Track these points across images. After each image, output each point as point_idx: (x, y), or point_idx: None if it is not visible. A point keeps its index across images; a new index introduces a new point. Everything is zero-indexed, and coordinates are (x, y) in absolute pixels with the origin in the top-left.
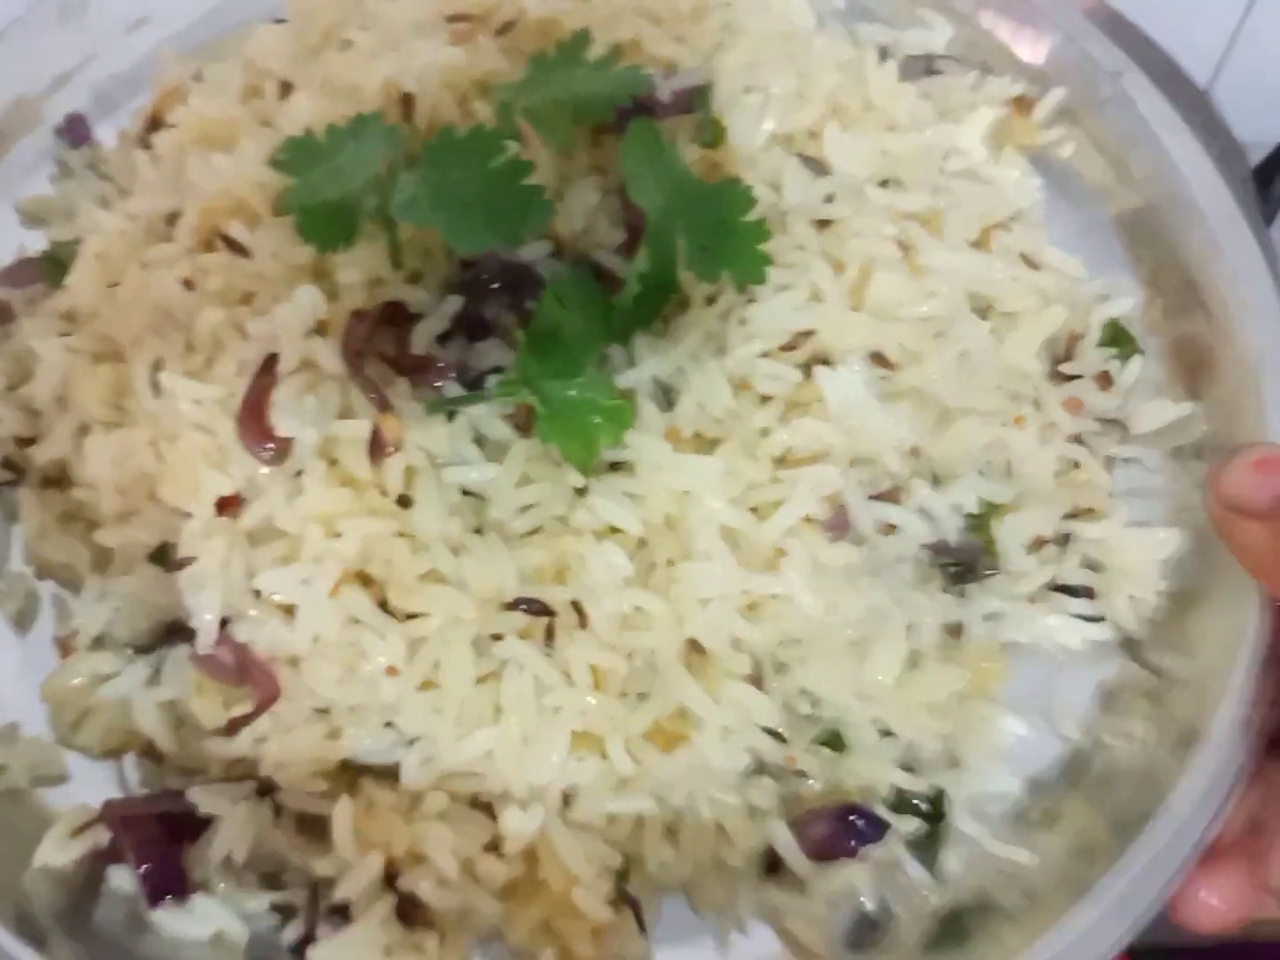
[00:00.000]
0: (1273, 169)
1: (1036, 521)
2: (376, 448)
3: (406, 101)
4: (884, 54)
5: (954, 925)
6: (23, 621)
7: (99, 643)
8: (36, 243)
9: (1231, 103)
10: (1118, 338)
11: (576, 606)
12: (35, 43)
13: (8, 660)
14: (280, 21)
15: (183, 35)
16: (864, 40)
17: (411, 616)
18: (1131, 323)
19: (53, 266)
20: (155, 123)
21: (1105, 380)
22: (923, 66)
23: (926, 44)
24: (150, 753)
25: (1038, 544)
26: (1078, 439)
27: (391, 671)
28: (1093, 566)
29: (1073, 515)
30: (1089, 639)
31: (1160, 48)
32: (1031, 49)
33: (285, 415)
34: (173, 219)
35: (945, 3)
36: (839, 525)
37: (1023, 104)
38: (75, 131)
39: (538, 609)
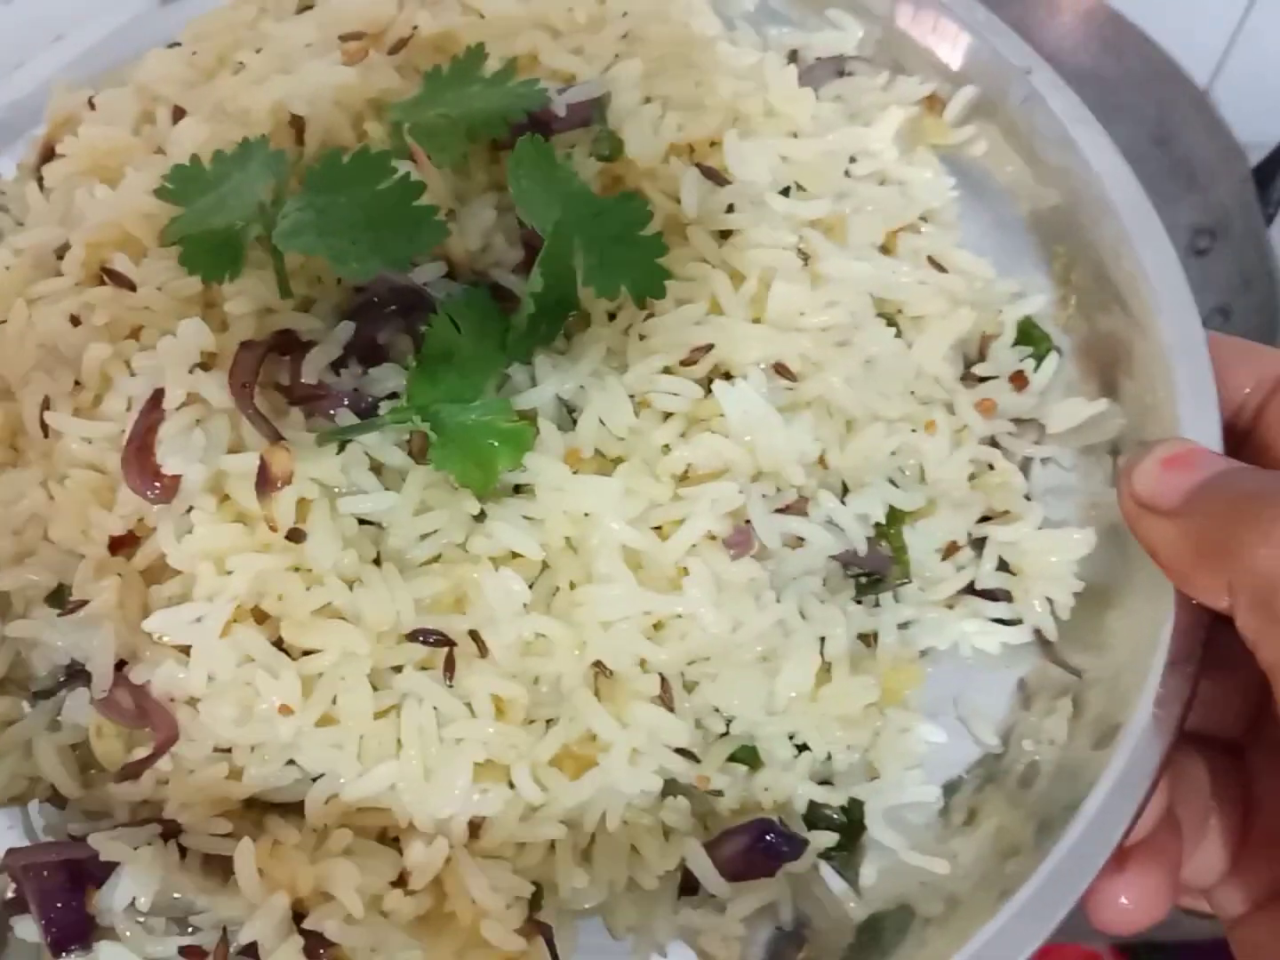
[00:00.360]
0: (1272, 169)
1: (950, 526)
2: (265, 482)
3: (297, 124)
4: (794, 56)
5: (874, 935)
6: None
7: (1, 686)
8: None
9: (1231, 103)
10: (1031, 336)
11: (475, 636)
12: None
13: None
14: (175, 45)
15: (80, 62)
16: (773, 43)
17: (307, 654)
18: (1045, 321)
19: None
20: (49, 153)
21: (1020, 380)
22: (833, 69)
23: (837, 45)
24: (55, 798)
25: (952, 549)
26: (992, 441)
27: (285, 710)
28: (1008, 569)
29: (987, 518)
30: (1006, 642)
31: (1160, 48)
32: (942, 48)
33: (172, 452)
34: (62, 252)
35: (857, 3)
36: (741, 542)
37: (934, 103)
38: None
39: (437, 640)
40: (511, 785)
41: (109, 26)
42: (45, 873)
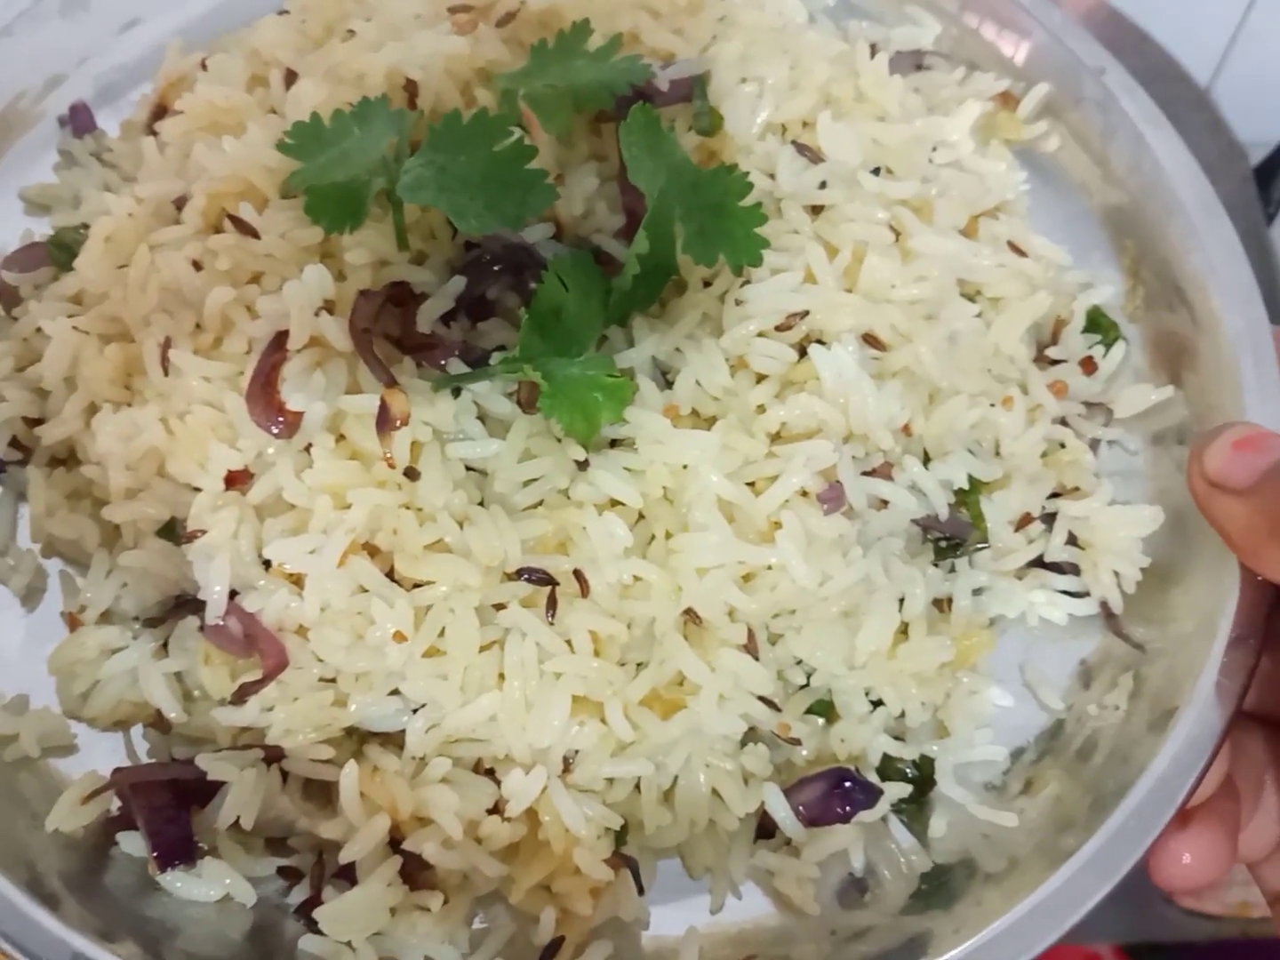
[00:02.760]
0: (1273, 168)
1: (1023, 499)
2: (384, 421)
3: (410, 89)
4: (873, 50)
5: (938, 886)
6: (30, 597)
7: (106, 616)
8: (42, 230)
9: (1232, 103)
10: (1101, 324)
11: (578, 575)
12: (39, 36)
13: (16, 635)
14: (284, 13)
15: (183, 30)
16: (854, 36)
17: (417, 586)
18: (1114, 311)
19: (59, 251)
20: (161, 110)
21: (1089, 365)
22: (911, 62)
23: (915, 40)
24: (158, 724)
25: (1024, 521)
26: (1063, 421)
27: (399, 637)
28: (1077, 543)
29: (1058, 494)
30: (1072, 614)
31: (1161, 47)
32: (1016, 47)
33: (294, 390)
34: (180, 203)
35: (933, 2)
36: (833, 499)
37: (1008, 99)
38: (79, 121)
39: (540, 578)
40: (604, 722)
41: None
42: (153, 791)
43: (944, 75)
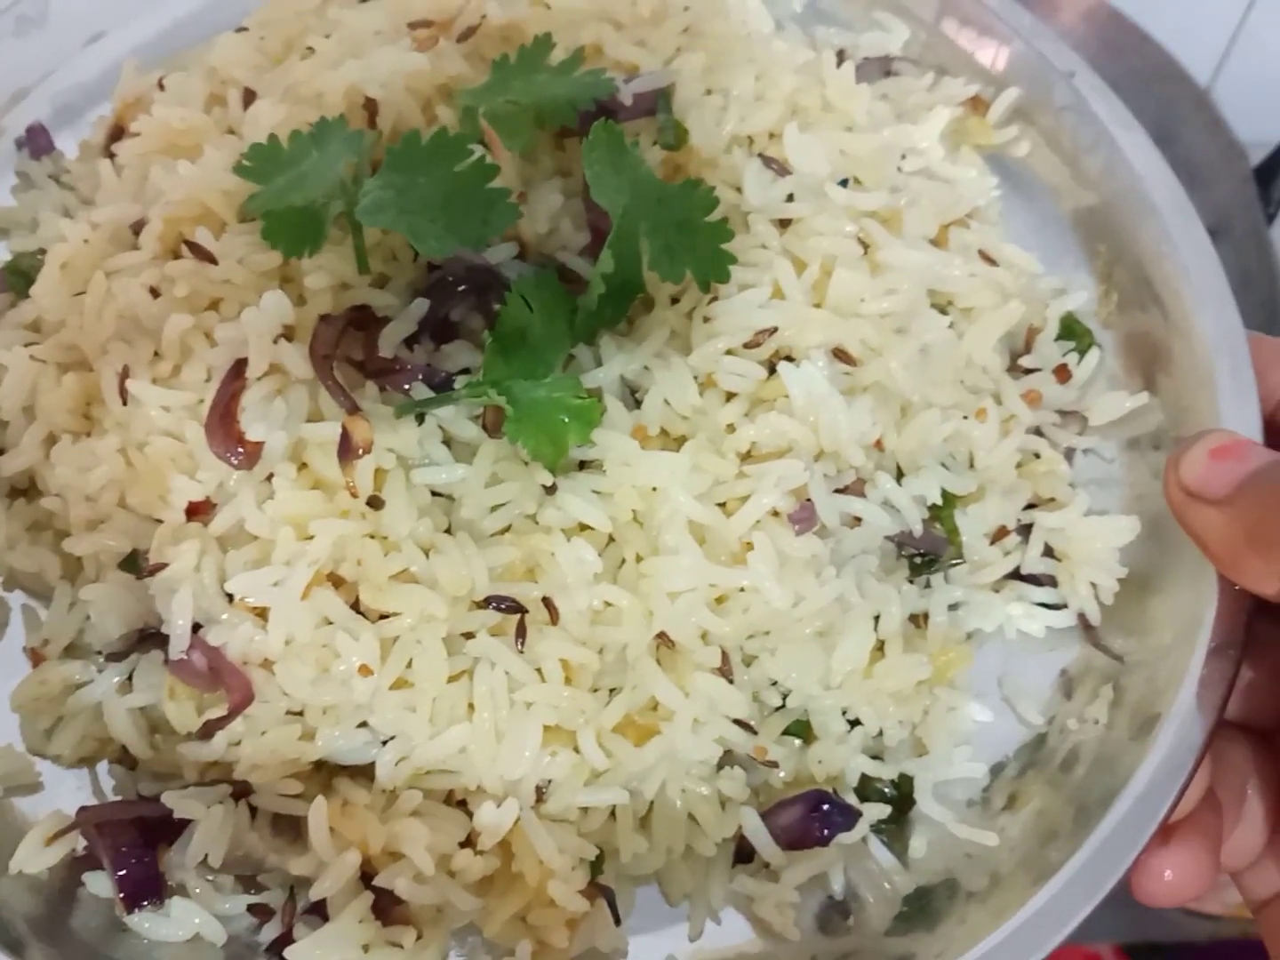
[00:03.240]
0: (1273, 168)
1: (998, 512)
2: (346, 450)
3: (370, 107)
4: (841, 56)
5: (921, 907)
6: None
7: (70, 650)
8: None
9: (1232, 103)
10: (1074, 331)
11: (547, 603)
12: None
13: None
14: (242, 30)
15: (141, 48)
16: (821, 43)
17: (384, 618)
18: (1087, 317)
19: (15, 277)
20: (118, 132)
21: (1063, 373)
22: (880, 68)
23: (883, 46)
24: (124, 759)
25: (1000, 534)
26: (1038, 431)
27: (365, 671)
28: (1054, 555)
29: (1033, 505)
30: (1050, 626)
31: (1161, 47)
32: (985, 51)
33: (255, 419)
34: (138, 227)
35: (902, 7)
36: (805, 518)
37: (978, 104)
38: (36, 142)
39: (509, 606)
40: (577, 750)
41: (170, 16)
42: (119, 830)
43: (913, 81)
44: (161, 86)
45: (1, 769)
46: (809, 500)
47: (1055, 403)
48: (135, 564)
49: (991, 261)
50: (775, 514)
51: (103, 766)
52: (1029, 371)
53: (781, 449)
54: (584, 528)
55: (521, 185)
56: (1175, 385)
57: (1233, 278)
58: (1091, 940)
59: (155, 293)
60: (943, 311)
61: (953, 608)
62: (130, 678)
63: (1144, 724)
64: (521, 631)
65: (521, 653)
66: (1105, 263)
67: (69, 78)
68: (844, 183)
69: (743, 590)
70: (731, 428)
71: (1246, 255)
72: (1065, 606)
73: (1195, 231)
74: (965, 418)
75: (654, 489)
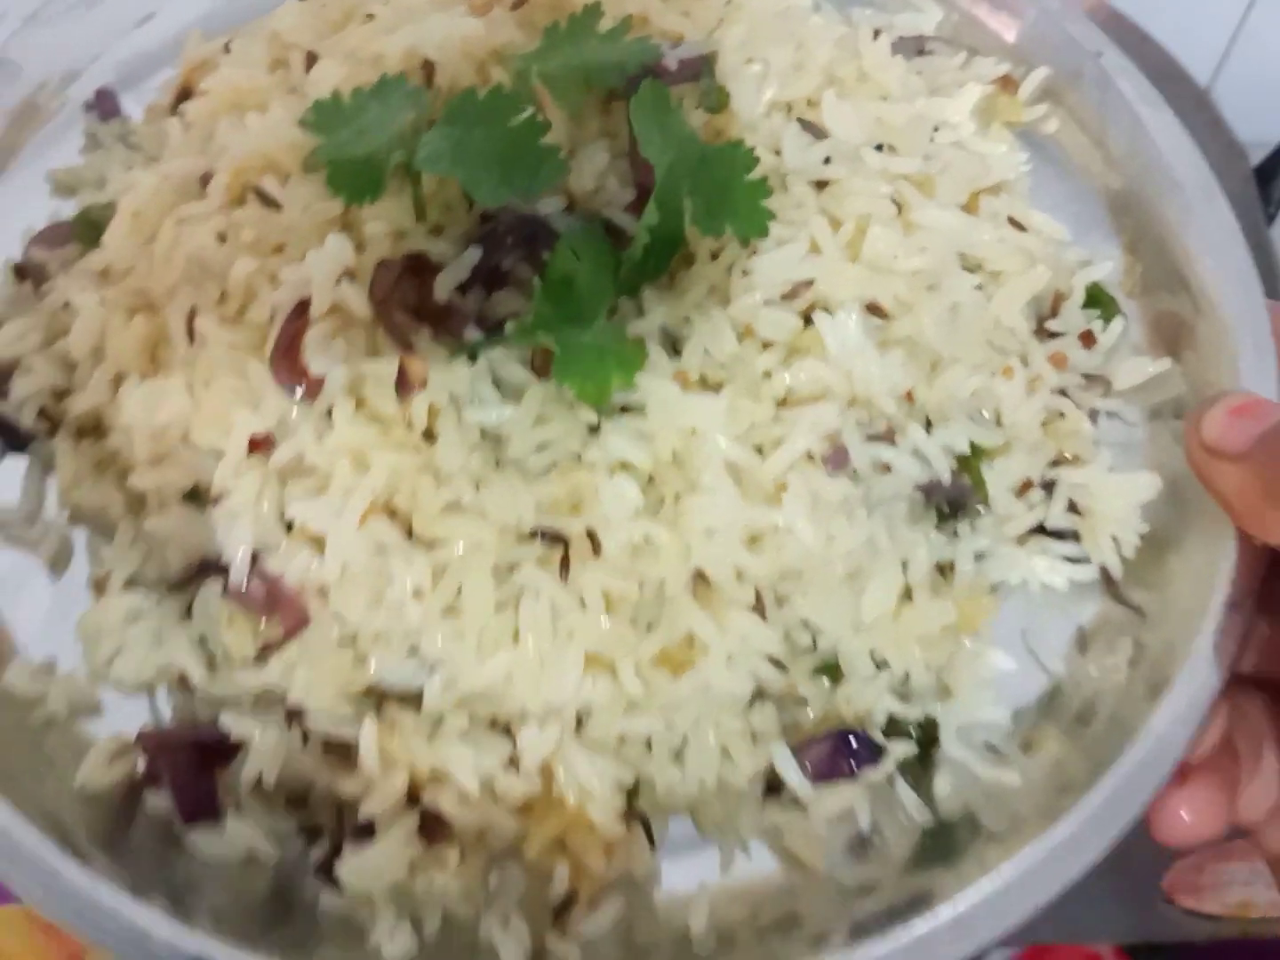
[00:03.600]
0: (1273, 169)
1: (1024, 466)
2: (403, 386)
3: (427, 68)
4: (876, 35)
5: (941, 844)
6: (57, 565)
7: (132, 582)
8: (67, 211)
9: (1232, 102)
10: (1100, 300)
11: (590, 536)
12: (64, 24)
13: (44, 601)
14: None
15: (203, 19)
16: (857, 22)
17: (435, 546)
18: (1112, 287)
19: (86, 228)
20: (185, 93)
21: (1088, 339)
22: (913, 47)
23: (917, 26)
24: (182, 685)
25: (1025, 488)
26: (1063, 392)
27: (416, 594)
28: (1077, 510)
29: (1058, 462)
30: (1073, 579)
31: (1161, 47)
32: (1014, 31)
33: (317, 354)
34: (205, 180)
35: None
36: (838, 461)
37: (1009, 83)
38: (104, 106)
39: (553, 538)
40: (616, 679)
41: None
42: (177, 751)
43: (945, 60)
44: (227, 49)
45: (66, 693)
46: (842, 445)
47: (1080, 366)
48: (198, 497)
49: (1020, 228)
50: (810, 457)
51: (162, 693)
52: (1055, 335)
53: (816, 395)
54: (626, 467)
55: (570, 144)
56: (1198, 356)
57: None
58: (1091, 940)
59: (222, 238)
60: (971, 274)
61: (979, 558)
62: (190, 608)
63: (1162, 677)
64: (565, 563)
65: (565, 584)
66: (1131, 236)
67: (131, 47)
68: (879, 148)
69: (777, 530)
70: (768, 374)
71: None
72: (1088, 560)
73: (1219, 208)
74: (992, 375)
75: (693, 431)
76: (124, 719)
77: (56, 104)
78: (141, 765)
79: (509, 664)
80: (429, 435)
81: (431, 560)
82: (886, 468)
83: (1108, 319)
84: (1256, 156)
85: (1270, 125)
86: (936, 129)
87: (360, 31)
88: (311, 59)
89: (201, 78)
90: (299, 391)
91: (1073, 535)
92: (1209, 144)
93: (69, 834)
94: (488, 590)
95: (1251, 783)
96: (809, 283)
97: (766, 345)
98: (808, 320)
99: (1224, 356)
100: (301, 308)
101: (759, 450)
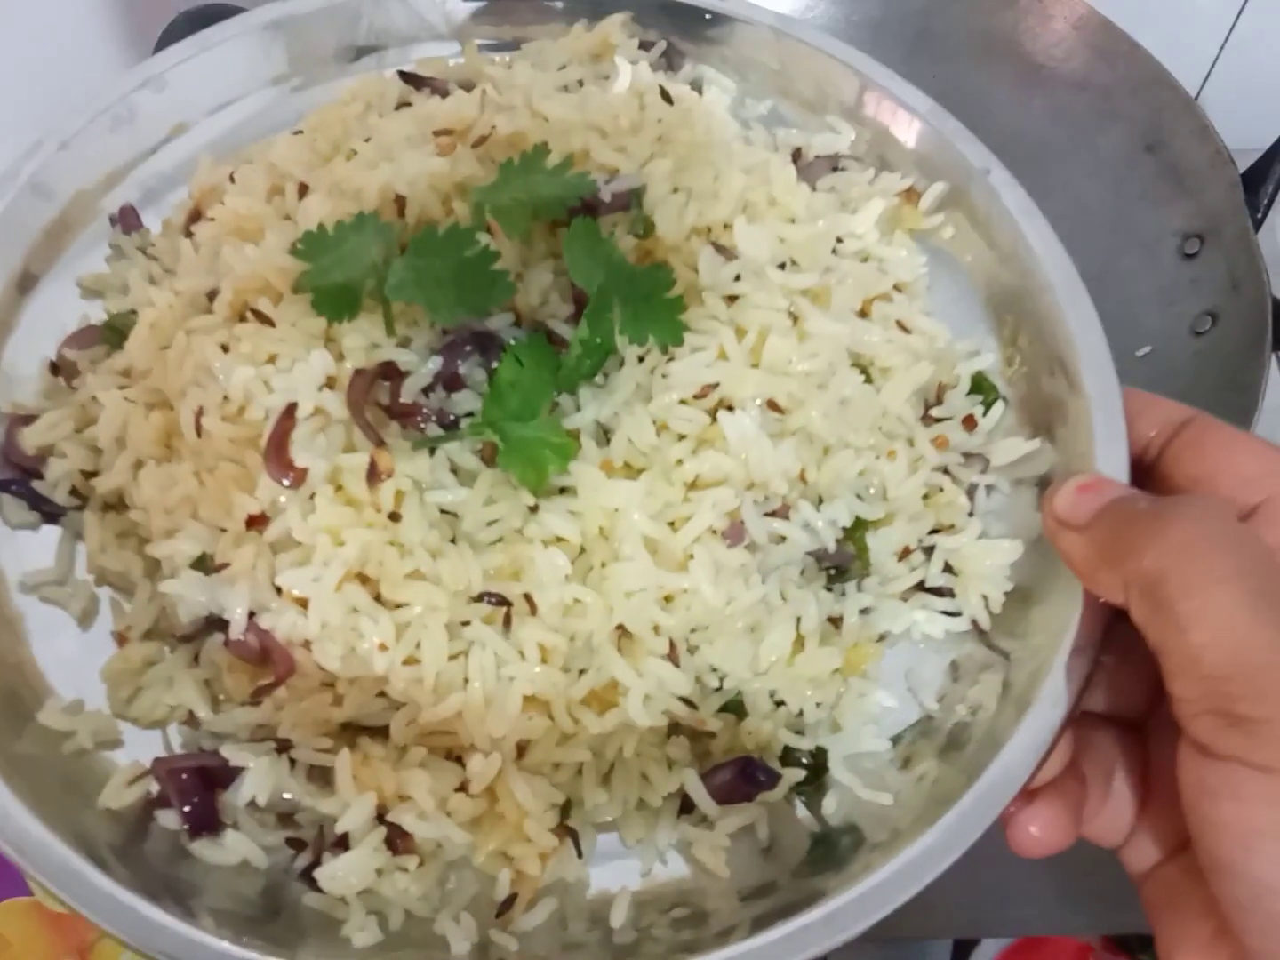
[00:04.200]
0: (1261, 174)
1: (904, 534)
2: (373, 475)
3: (400, 201)
4: (798, 153)
5: (830, 853)
6: (85, 619)
7: (149, 635)
8: (95, 313)
9: (1221, 109)
10: (983, 387)
11: (528, 598)
12: (93, 147)
13: (74, 650)
14: (298, 133)
15: (214, 142)
16: (781, 142)
17: (399, 607)
18: (995, 375)
19: (112, 333)
20: (196, 215)
21: (970, 423)
22: (828, 164)
23: (833, 145)
24: (190, 722)
25: (905, 553)
26: (944, 469)
27: (382, 647)
28: (952, 571)
29: (936, 530)
30: (948, 629)
31: (1151, 55)
32: (918, 150)
33: (302, 450)
34: (212, 295)
35: (852, 112)
36: (735, 535)
37: (912, 194)
38: (127, 220)
39: (498, 600)
40: (551, 717)
41: (240, 113)
42: (184, 775)
43: (857, 175)
44: (232, 179)
45: (92, 728)
46: (740, 521)
47: (963, 446)
48: (204, 564)
49: (906, 330)
50: (713, 531)
51: (173, 728)
52: (940, 420)
53: (719, 480)
54: (560, 540)
55: (520, 265)
56: (1067, 433)
57: (1221, 282)
58: (1082, 932)
59: (225, 349)
60: (865, 370)
61: (865, 612)
62: (197, 656)
63: (1020, 707)
64: (507, 620)
65: (507, 638)
66: (1011, 330)
67: (152, 167)
68: (783, 265)
69: (685, 591)
70: (680, 462)
71: (1235, 259)
72: (961, 614)
73: (1083, 303)
74: (878, 457)
75: (616, 510)
76: (140, 750)
77: (88, 216)
78: (154, 788)
79: (459, 704)
80: (395, 515)
81: (395, 619)
82: (782, 538)
83: (989, 404)
84: (1244, 162)
85: (1257, 131)
86: (841, 240)
87: (344, 166)
88: (303, 189)
89: (210, 201)
90: (287, 480)
91: (949, 592)
92: (1197, 150)
93: (93, 846)
94: (442, 643)
95: (1104, 808)
96: (715, 384)
97: (681, 437)
98: (714, 416)
99: (1085, 432)
100: (290, 410)
101: (671, 525)
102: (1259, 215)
